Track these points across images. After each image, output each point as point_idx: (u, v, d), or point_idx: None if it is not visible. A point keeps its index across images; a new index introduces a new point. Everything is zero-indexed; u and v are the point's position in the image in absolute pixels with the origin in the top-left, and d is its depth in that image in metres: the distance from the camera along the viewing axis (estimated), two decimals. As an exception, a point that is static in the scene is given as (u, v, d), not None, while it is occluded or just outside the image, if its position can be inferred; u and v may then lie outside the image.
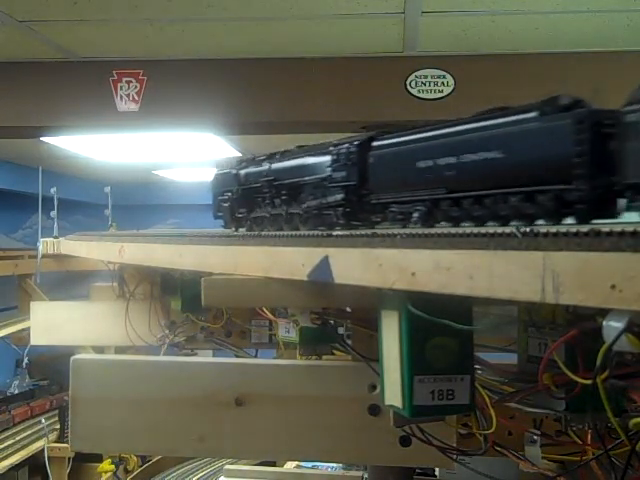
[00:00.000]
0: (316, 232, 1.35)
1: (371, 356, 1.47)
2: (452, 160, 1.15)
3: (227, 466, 2.95)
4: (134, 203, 8.04)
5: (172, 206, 8.34)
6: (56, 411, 5.86)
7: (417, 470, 2.33)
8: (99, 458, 5.55)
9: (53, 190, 5.53)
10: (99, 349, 3.71)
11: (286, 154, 1.77)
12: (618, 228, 0.72)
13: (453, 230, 0.95)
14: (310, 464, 3.49)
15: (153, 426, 1.69)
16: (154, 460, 5.72)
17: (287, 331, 1.88)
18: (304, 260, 1.27)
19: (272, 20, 3.03)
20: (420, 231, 1.03)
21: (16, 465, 5.12)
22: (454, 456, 1.38)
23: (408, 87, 3.35)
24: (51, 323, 3.28)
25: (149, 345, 2.97)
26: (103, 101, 3.50)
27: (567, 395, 1.08)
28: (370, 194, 1.40)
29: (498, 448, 1.31)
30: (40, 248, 5.16)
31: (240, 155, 5.28)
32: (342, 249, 1.18)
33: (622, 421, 0.94)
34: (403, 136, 1.31)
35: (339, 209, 1.47)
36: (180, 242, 1.92)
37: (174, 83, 3.49)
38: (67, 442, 4.83)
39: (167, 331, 2.89)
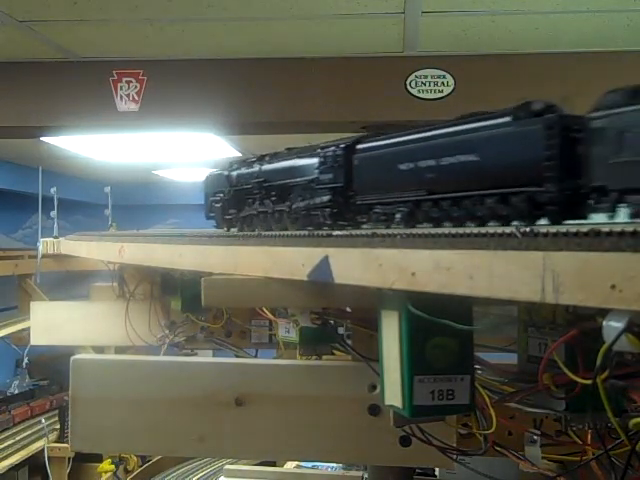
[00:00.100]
0: (316, 232, 1.35)
1: (371, 356, 1.47)
2: (432, 163, 1.19)
3: (227, 466, 2.95)
4: (134, 203, 8.04)
5: (172, 206, 8.34)
6: (56, 411, 5.86)
7: (417, 470, 2.33)
8: (99, 458, 5.55)
9: (53, 190, 5.53)
10: (99, 349, 3.71)
11: (276, 156, 1.81)
12: (618, 228, 0.72)
13: (453, 230, 0.95)
14: (310, 464, 3.49)
15: (153, 426, 1.69)
16: (154, 460, 5.72)
17: (287, 331, 1.88)
18: (304, 260, 1.27)
19: (272, 20, 3.03)
20: (420, 231, 1.03)
21: (16, 465, 5.12)
22: (454, 456, 1.38)
23: (408, 87, 3.35)
24: (51, 323, 3.28)
25: (149, 345, 2.97)
26: (103, 101, 3.50)
27: (567, 395, 1.08)
28: (355, 195, 1.45)
29: (498, 448, 1.31)
30: (40, 248, 5.16)
31: (240, 155, 5.28)
32: (342, 249, 1.18)
33: (622, 421, 0.94)
34: (386, 139, 1.36)
35: (326, 210, 1.51)
36: (180, 242, 1.92)
37: (174, 83, 3.49)
38: (67, 442, 4.83)
39: (167, 331, 2.89)
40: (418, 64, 3.36)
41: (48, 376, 6.24)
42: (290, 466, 3.66)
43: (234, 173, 2.01)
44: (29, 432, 5.56)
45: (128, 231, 3.35)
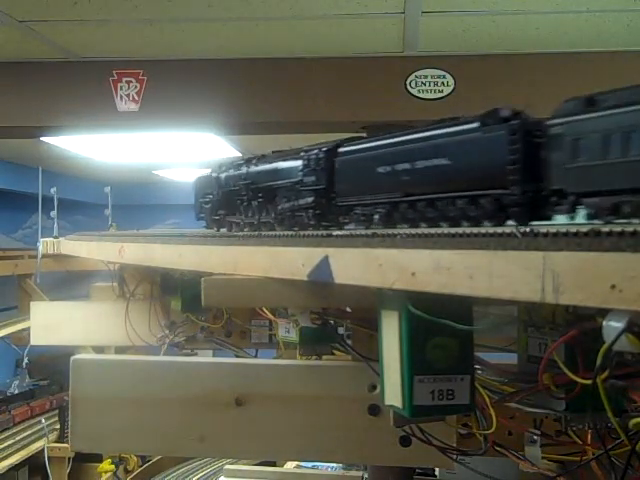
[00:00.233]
0: (316, 232, 1.35)
1: (371, 356, 1.47)
2: (407, 166, 1.25)
3: (227, 466, 2.95)
4: (134, 203, 8.04)
5: (172, 206, 8.33)
6: (56, 411, 5.86)
7: (417, 470, 2.32)
8: (99, 458, 5.55)
9: (53, 190, 5.53)
10: (99, 349, 3.71)
11: (262, 159, 1.87)
12: (618, 228, 0.72)
13: (453, 230, 0.95)
14: (310, 464, 3.49)
15: (153, 426, 1.69)
16: (154, 460, 5.72)
17: (287, 331, 1.88)
18: (304, 260, 1.27)
19: (272, 20, 3.03)
20: (420, 231, 1.03)
21: (16, 465, 5.12)
22: (454, 456, 1.38)
23: (408, 87, 3.35)
24: (51, 323, 3.27)
25: (149, 345, 2.97)
26: (103, 101, 3.50)
27: (567, 395, 1.08)
28: (337, 197, 1.50)
29: (498, 448, 1.31)
30: (40, 248, 5.16)
31: (240, 155, 5.28)
32: (342, 249, 1.18)
33: (622, 421, 0.94)
34: (365, 143, 1.43)
35: (310, 211, 1.57)
36: (180, 242, 1.92)
37: (174, 83, 3.49)
38: (67, 442, 4.83)
39: (167, 331, 2.89)
40: (418, 64, 3.36)
41: (48, 376, 6.24)
42: (290, 466, 3.66)
43: (222, 175, 2.06)
44: (29, 432, 5.56)
45: (128, 231, 3.35)
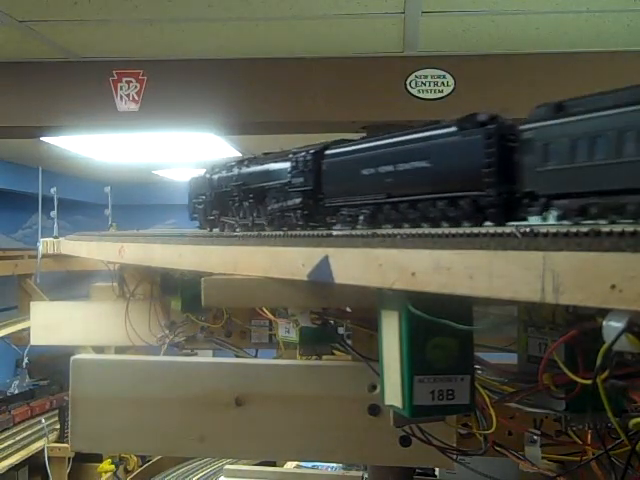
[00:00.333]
0: (316, 232, 1.35)
1: (371, 356, 1.47)
2: (390, 169, 1.29)
3: (227, 466, 2.95)
4: (134, 203, 8.04)
5: (172, 206, 8.32)
6: (56, 411, 5.86)
7: (417, 470, 2.32)
8: (99, 458, 5.55)
9: (53, 190, 5.53)
10: (99, 349, 3.71)
11: (253, 160, 1.91)
12: (618, 228, 0.72)
13: (453, 230, 0.95)
14: (310, 464, 3.49)
15: (153, 426, 1.69)
16: (154, 460, 5.72)
17: (287, 331, 1.88)
18: (304, 260, 1.27)
19: (272, 20, 3.03)
20: (420, 231, 1.03)
21: (16, 465, 5.12)
22: (454, 456, 1.38)
23: (408, 87, 3.35)
24: (51, 323, 3.27)
25: (149, 345, 2.97)
26: (103, 101, 3.50)
27: (567, 395, 1.08)
28: (324, 198, 1.54)
29: (498, 448, 1.31)
30: (40, 248, 5.16)
31: (240, 155, 5.28)
32: (342, 249, 1.18)
33: (622, 421, 0.94)
34: (350, 146, 1.47)
35: (298, 212, 1.60)
36: (180, 242, 1.92)
37: (174, 83, 3.49)
38: (67, 442, 4.84)
39: (167, 331, 2.89)
40: (418, 64, 3.36)
41: (48, 376, 6.24)
42: (290, 466, 3.66)
43: (215, 176, 2.11)
44: (29, 432, 5.57)
45: (128, 231, 3.35)
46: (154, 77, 3.49)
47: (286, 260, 1.36)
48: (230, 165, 2.03)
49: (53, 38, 3.26)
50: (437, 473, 2.43)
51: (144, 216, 7.53)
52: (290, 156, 1.66)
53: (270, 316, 2.00)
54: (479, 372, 1.22)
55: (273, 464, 3.56)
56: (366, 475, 2.20)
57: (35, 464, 5.45)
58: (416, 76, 3.35)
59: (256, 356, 2.76)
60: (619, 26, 3.04)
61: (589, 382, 0.93)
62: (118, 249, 2.46)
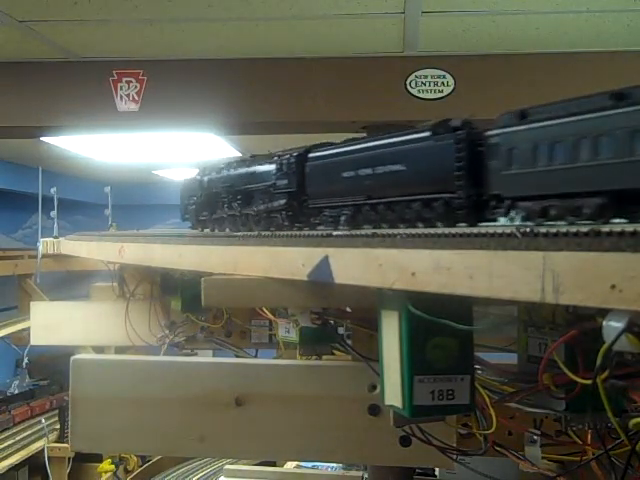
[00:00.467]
0: (316, 232, 1.35)
1: (371, 356, 1.47)
2: (369, 171, 1.34)
3: (227, 466, 2.95)
4: (134, 203, 8.04)
5: (172, 206, 8.27)
6: (56, 411, 5.86)
7: (417, 470, 2.32)
8: (99, 458, 5.55)
9: (53, 190, 5.53)
10: (99, 349, 3.71)
11: (241, 163, 1.97)
12: (618, 228, 0.72)
13: (453, 230, 0.95)
14: (310, 464, 3.49)
15: (153, 426, 1.69)
16: (154, 460, 5.72)
17: (287, 331, 1.88)
18: (304, 260, 1.27)
19: (272, 20, 3.03)
20: (420, 231, 1.03)
21: (16, 465, 5.12)
22: (454, 456, 1.38)
23: (408, 87, 3.35)
24: (51, 323, 3.27)
25: (149, 345, 2.97)
26: (103, 101, 3.50)
27: (567, 395, 1.08)
28: (308, 199, 1.59)
29: (498, 448, 1.31)
30: (40, 248, 5.16)
31: (240, 155, 5.28)
32: (342, 249, 1.18)
33: (622, 421, 0.94)
34: (332, 149, 1.52)
35: (283, 212, 1.65)
36: (180, 242, 1.92)
37: (174, 83, 3.49)
38: (67, 442, 4.83)
39: (167, 331, 2.89)
40: (418, 64, 3.36)
41: (48, 376, 6.24)
42: (290, 466, 3.66)
43: (205, 178, 2.16)
44: (29, 432, 5.56)
45: (128, 231, 3.35)
46: (154, 77, 3.49)
47: (286, 260, 1.36)
48: (220, 167, 2.09)
49: (53, 38, 3.26)
50: (437, 473, 2.43)
51: (144, 216, 7.53)
52: (275, 159, 1.71)
53: (270, 316, 2.00)
54: (479, 372, 1.22)
55: (273, 464, 3.56)
56: (366, 475, 2.20)
57: (35, 464, 5.45)
58: (416, 76, 3.35)
59: (256, 356, 2.76)
60: (619, 26, 3.04)
61: (589, 382, 0.93)
62: (118, 249, 2.46)
